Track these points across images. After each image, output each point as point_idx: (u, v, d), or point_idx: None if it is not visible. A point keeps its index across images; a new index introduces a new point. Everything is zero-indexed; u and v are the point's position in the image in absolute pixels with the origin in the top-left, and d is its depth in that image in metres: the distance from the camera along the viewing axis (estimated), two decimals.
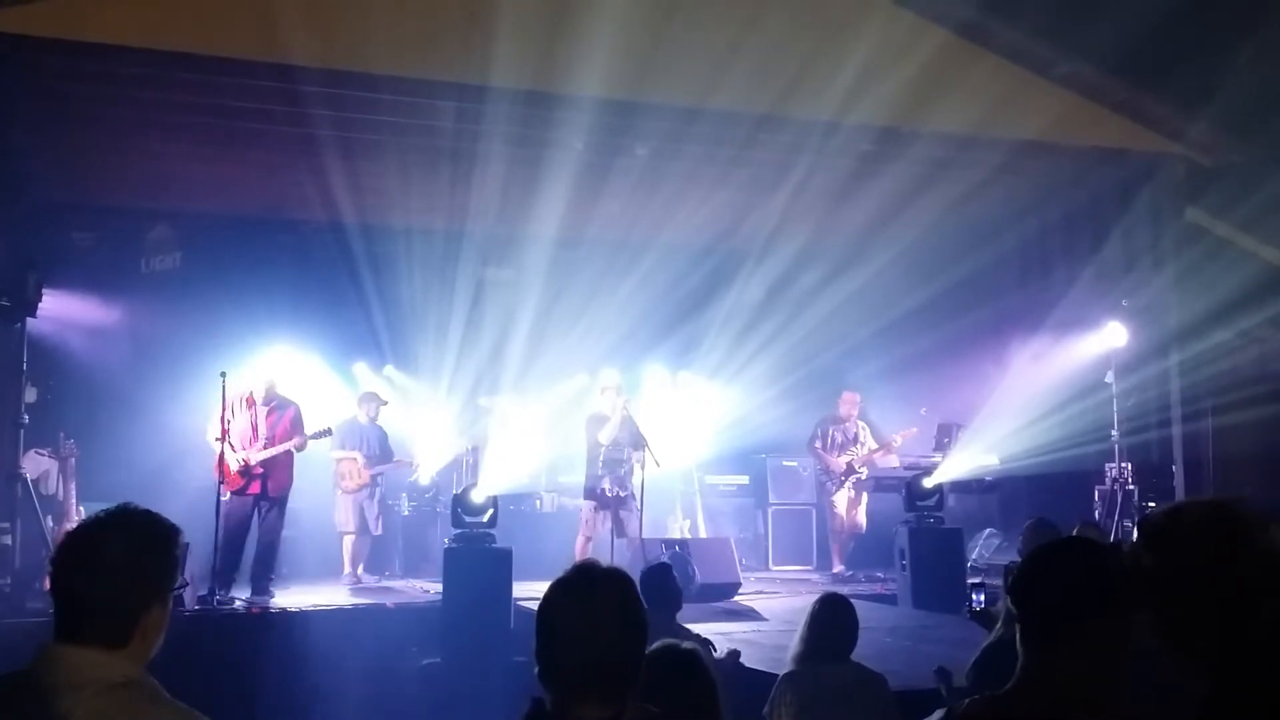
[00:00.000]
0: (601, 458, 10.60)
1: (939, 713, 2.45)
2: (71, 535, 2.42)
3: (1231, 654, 1.92)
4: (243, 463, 9.54)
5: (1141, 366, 11.08)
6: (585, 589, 2.32)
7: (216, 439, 9.46)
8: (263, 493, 9.69)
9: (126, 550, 2.34)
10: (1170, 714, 2.19)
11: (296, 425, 9.95)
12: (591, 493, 10.66)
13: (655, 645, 3.20)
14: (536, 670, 2.29)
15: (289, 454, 9.86)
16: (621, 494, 10.58)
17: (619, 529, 10.53)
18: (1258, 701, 1.87)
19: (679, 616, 6.09)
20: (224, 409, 9.45)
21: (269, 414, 9.82)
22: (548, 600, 2.33)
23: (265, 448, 9.70)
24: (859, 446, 12.21)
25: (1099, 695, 2.28)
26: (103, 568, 2.31)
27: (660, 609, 5.54)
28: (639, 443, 10.49)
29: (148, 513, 2.43)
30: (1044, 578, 2.38)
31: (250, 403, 9.75)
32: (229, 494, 9.51)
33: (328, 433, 10.25)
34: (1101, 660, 2.28)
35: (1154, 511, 2.19)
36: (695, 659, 3.26)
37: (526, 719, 2.28)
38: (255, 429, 9.71)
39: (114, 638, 2.29)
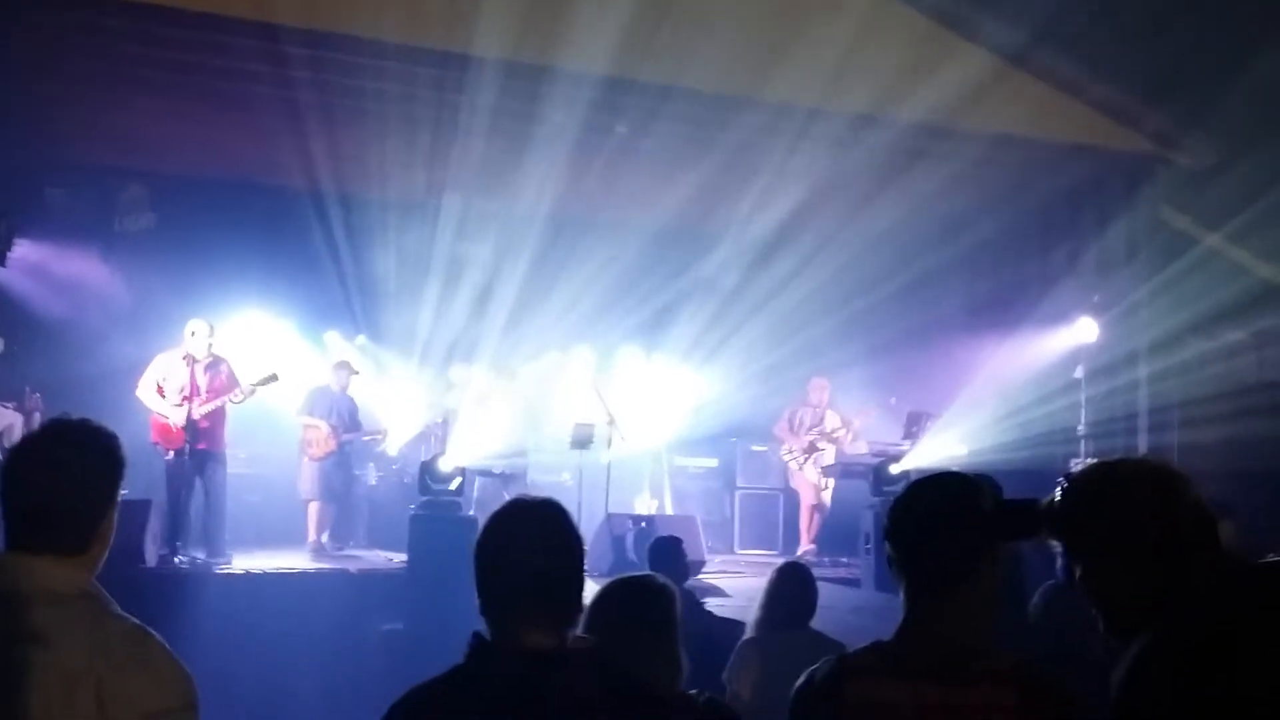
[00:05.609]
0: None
1: (829, 658, 2.46)
2: (22, 446, 2.41)
3: (1169, 605, 1.94)
4: (186, 417, 9.42)
5: (1111, 362, 11.15)
6: (521, 515, 2.34)
7: (155, 395, 9.52)
8: (207, 449, 9.65)
9: (81, 457, 2.33)
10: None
11: (232, 379, 9.93)
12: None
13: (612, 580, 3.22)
14: (478, 603, 2.28)
15: (223, 410, 9.83)
16: None
17: None
18: (1195, 651, 1.87)
19: None
20: (161, 364, 9.58)
21: (206, 369, 9.74)
22: (486, 530, 2.32)
23: (206, 401, 9.63)
24: (824, 428, 12.26)
25: (982, 642, 2.29)
26: (62, 476, 2.30)
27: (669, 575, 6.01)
28: (608, 418, 10.54)
29: (88, 421, 2.42)
30: (915, 521, 2.37)
31: (189, 360, 9.58)
32: (171, 453, 9.45)
33: (274, 378, 10.05)
34: (982, 605, 2.28)
35: (1085, 468, 2.19)
36: (646, 588, 3.18)
37: (470, 653, 2.26)
38: (195, 385, 9.58)
39: (73, 546, 2.27)
